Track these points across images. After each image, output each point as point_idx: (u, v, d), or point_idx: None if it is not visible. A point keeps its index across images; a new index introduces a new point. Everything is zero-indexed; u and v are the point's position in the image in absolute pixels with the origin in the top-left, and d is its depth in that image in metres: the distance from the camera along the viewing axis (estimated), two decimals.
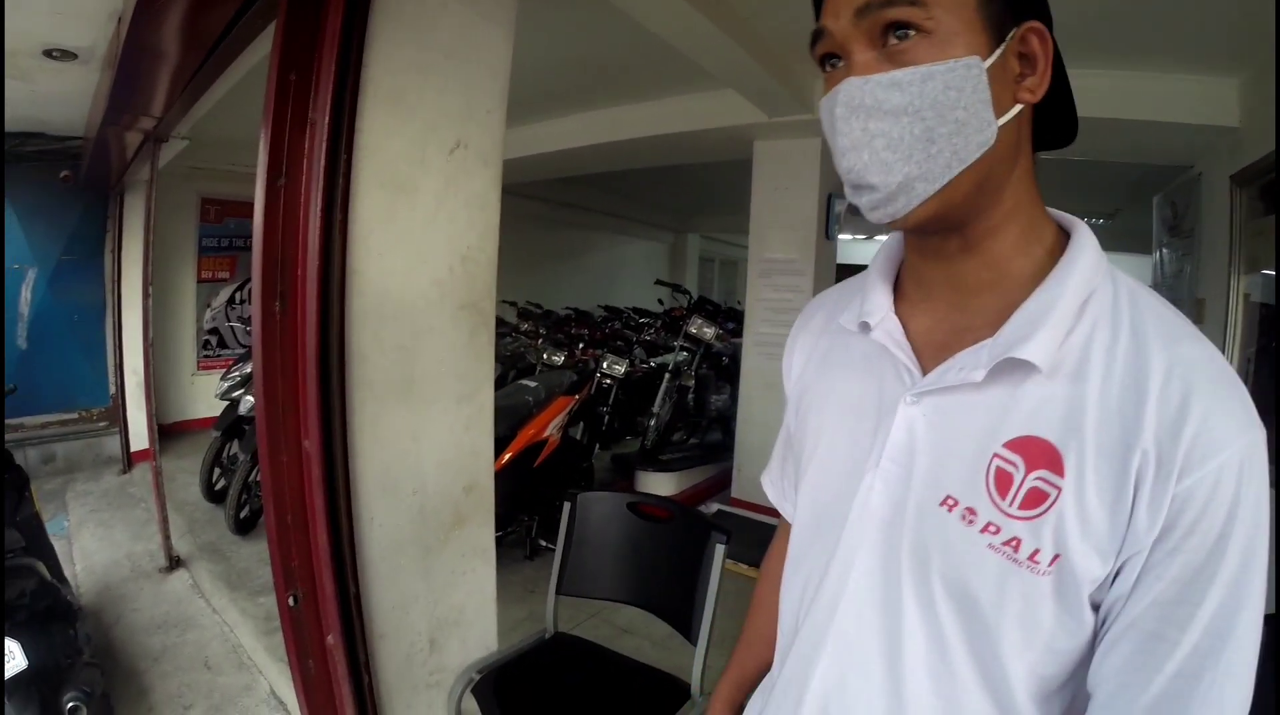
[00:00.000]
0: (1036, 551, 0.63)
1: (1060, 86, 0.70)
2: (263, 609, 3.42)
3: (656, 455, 5.33)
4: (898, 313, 0.77)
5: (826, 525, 0.79)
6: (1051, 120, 0.72)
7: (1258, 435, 0.60)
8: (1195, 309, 3.71)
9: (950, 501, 0.68)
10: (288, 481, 1.68)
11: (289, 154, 1.61)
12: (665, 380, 5.50)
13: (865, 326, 0.78)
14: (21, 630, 2.06)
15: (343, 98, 1.55)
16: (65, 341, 5.82)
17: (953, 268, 0.72)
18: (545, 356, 5.07)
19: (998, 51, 0.63)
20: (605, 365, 5.06)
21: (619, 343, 6.46)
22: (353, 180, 1.59)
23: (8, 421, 5.34)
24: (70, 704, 2.07)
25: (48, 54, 3.30)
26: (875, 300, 0.79)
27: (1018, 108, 0.65)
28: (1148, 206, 4.81)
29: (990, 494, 0.66)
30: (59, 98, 4.07)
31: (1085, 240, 0.69)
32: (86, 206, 5.77)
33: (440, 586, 1.93)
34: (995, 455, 0.66)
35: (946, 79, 0.61)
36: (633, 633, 3.20)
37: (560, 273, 9.97)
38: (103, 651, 3.02)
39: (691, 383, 5.68)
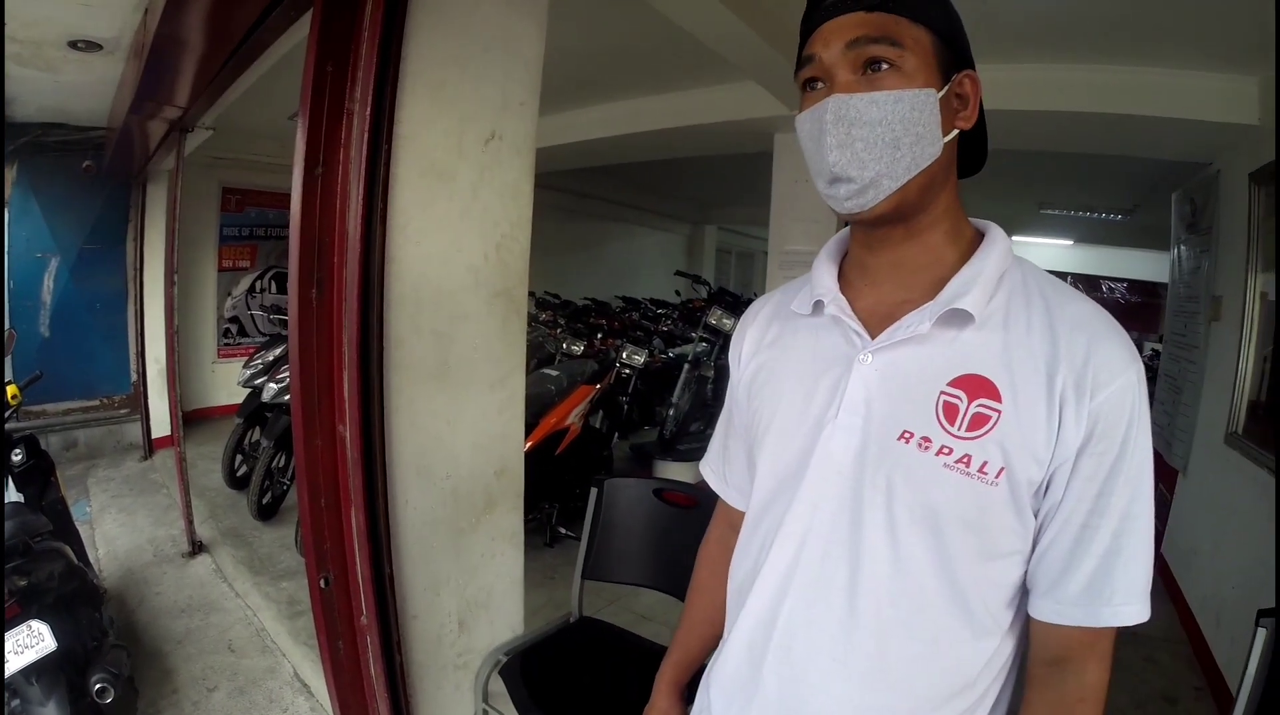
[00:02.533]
0: (985, 464, 0.79)
1: (980, 125, 0.90)
2: (285, 593, 3.47)
3: (675, 445, 5.38)
4: (844, 295, 0.92)
5: (788, 481, 0.92)
6: (972, 151, 0.92)
7: (1140, 366, 0.79)
8: (1212, 307, 3.69)
9: (907, 434, 0.82)
10: (321, 465, 1.71)
11: (326, 143, 1.63)
12: (685, 370, 5.54)
13: (819, 306, 0.93)
14: (49, 613, 2.10)
15: (384, 88, 1.57)
16: (87, 329, 5.88)
17: (896, 253, 0.88)
18: (565, 346, 5.11)
19: (946, 88, 0.81)
20: (625, 355, 5.09)
21: (638, 333, 6.48)
22: (393, 168, 1.62)
23: (32, 408, 5.41)
24: (98, 685, 2.10)
25: (73, 45, 3.33)
26: (825, 284, 0.94)
27: (955, 132, 0.84)
28: (1166, 203, 4.77)
29: (941, 422, 0.81)
30: (83, 88, 4.10)
31: (997, 234, 0.88)
32: (109, 196, 5.81)
33: (470, 569, 1.96)
34: (942, 392, 0.81)
35: (912, 102, 0.78)
36: (652, 619, 3.25)
37: (578, 263, 9.96)
38: (127, 634, 3.07)
39: (711, 373, 5.70)
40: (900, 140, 0.78)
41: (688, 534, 2.00)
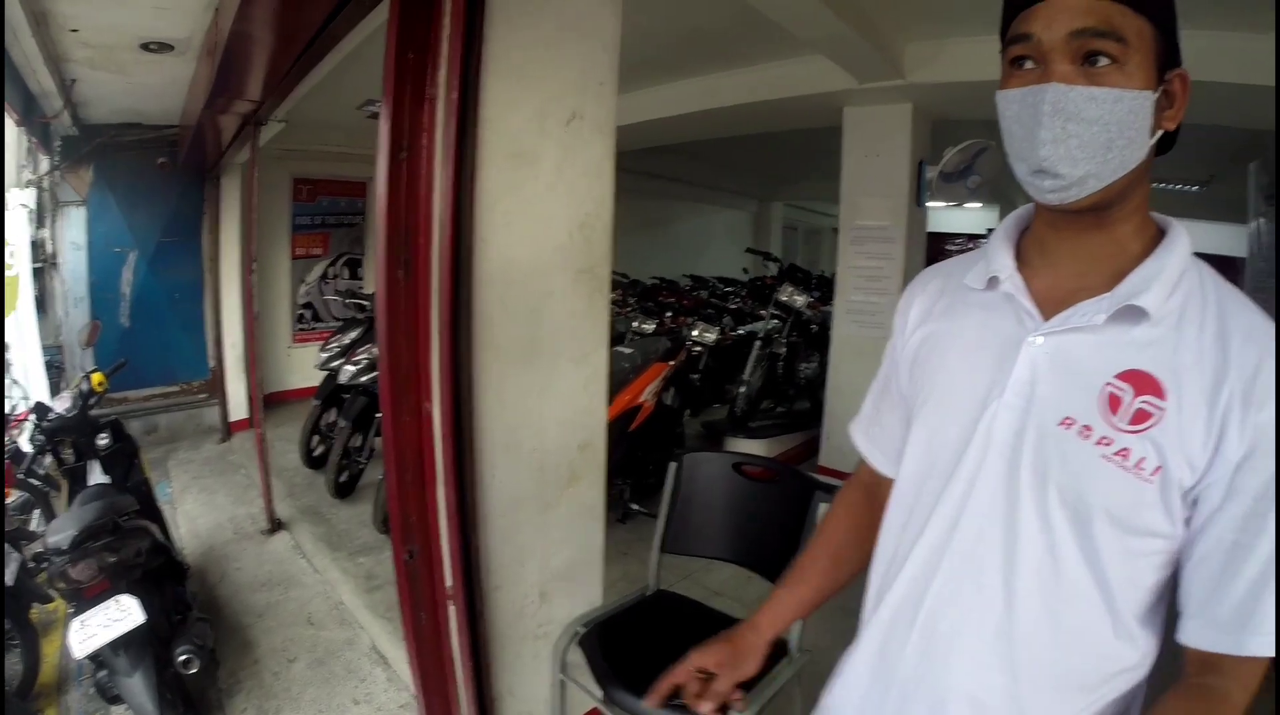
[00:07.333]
0: (1142, 460, 0.78)
1: None
2: (363, 568, 3.59)
3: (746, 422, 5.38)
4: (1020, 274, 0.91)
5: (944, 456, 0.91)
6: (1163, 138, 0.86)
7: None
8: None
9: (1069, 421, 0.82)
10: (408, 442, 1.77)
11: (409, 129, 1.68)
12: (756, 348, 5.52)
13: (994, 281, 0.91)
14: (137, 588, 2.21)
15: (468, 73, 1.61)
16: (165, 319, 6.12)
17: (1082, 240, 0.86)
18: (636, 324, 5.14)
19: (1160, 89, 0.78)
20: (696, 333, 5.09)
21: (708, 311, 6.43)
22: (478, 152, 1.66)
23: (115, 395, 5.61)
24: (183, 656, 2.21)
25: (145, 47, 3.43)
26: (1001, 261, 0.92)
27: (1160, 133, 0.81)
28: (1243, 173, 4.60)
29: (1104, 413, 0.80)
30: (155, 89, 4.25)
31: (1181, 232, 0.86)
32: (183, 191, 6.02)
33: (554, 542, 2.01)
34: (1108, 384, 0.81)
35: (1130, 104, 0.76)
36: (724, 594, 3.26)
37: (645, 242, 9.85)
38: (209, 608, 3.20)
39: (782, 351, 5.70)
40: (1114, 142, 0.76)
41: (766, 508, 2.02)
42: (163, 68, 3.77)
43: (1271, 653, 0.76)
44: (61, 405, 3.14)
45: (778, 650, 1.88)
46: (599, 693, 1.82)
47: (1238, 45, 3.21)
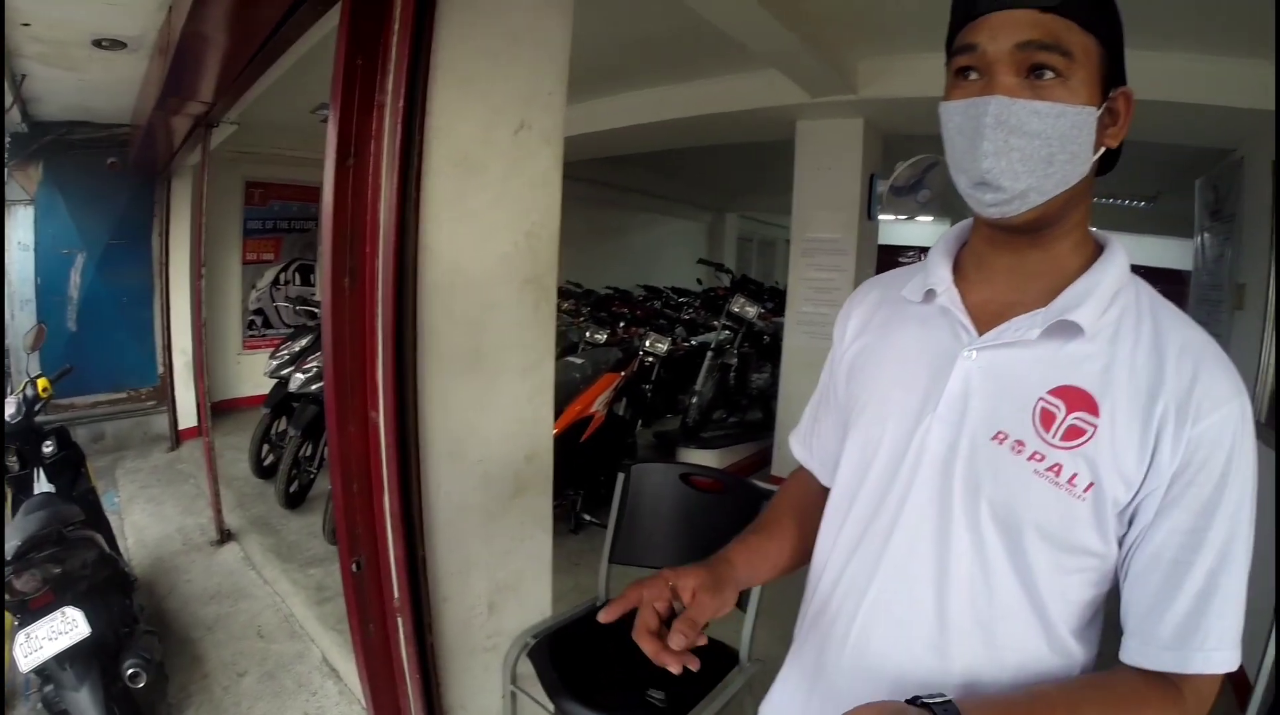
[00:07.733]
0: (1074, 476, 0.78)
1: None
2: (313, 580, 3.53)
3: (698, 432, 5.42)
4: (957, 287, 0.90)
5: (879, 467, 0.91)
6: (1104, 157, 0.86)
7: (1246, 400, 0.78)
8: (1235, 295, 3.66)
9: (1001, 435, 0.81)
10: (354, 451, 1.75)
11: (357, 136, 1.67)
12: (708, 358, 5.56)
13: (930, 294, 0.92)
14: (83, 600, 2.15)
15: (415, 81, 1.60)
16: (114, 323, 5.96)
17: (1019, 257, 0.86)
18: (588, 334, 5.14)
19: (1103, 105, 0.78)
20: (648, 343, 5.10)
21: (660, 321, 6.44)
22: (425, 160, 1.65)
23: (61, 401, 5.48)
24: (130, 670, 2.15)
25: (97, 44, 3.35)
26: (939, 274, 0.92)
27: (1102, 149, 0.81)
28: (1189, 190, 4.72)
29: (1036, 429, 0.80)
30: (106, 86, 4.13)
31: (1118, 248, 0.86)
32: (133, 192, 5.87)
33: (500, 552, 1.99)
34: (1041, 399, 0.80)
35: (1073, 119, 0.76)
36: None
37: (599, 252, 9.86)
38: (157, 621, 3.12)
39: (734, 361, 5.75)
40: (1055, 157, 0.76)
41: (715, 518, 2.02)
42: (115, 65, 3.68)
43: (1214, 669, 0.76)
44: (6, 411, 3.05)
45: (728, 659, 1.89)
46: (551, 705, 1.80)
47: (1182, 66, 3.30)
